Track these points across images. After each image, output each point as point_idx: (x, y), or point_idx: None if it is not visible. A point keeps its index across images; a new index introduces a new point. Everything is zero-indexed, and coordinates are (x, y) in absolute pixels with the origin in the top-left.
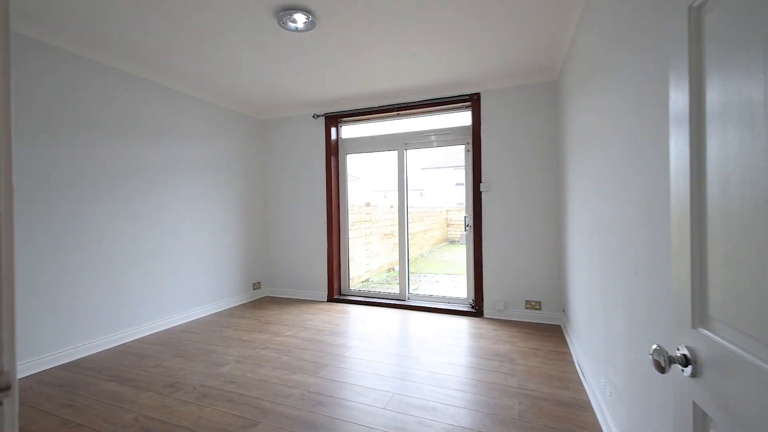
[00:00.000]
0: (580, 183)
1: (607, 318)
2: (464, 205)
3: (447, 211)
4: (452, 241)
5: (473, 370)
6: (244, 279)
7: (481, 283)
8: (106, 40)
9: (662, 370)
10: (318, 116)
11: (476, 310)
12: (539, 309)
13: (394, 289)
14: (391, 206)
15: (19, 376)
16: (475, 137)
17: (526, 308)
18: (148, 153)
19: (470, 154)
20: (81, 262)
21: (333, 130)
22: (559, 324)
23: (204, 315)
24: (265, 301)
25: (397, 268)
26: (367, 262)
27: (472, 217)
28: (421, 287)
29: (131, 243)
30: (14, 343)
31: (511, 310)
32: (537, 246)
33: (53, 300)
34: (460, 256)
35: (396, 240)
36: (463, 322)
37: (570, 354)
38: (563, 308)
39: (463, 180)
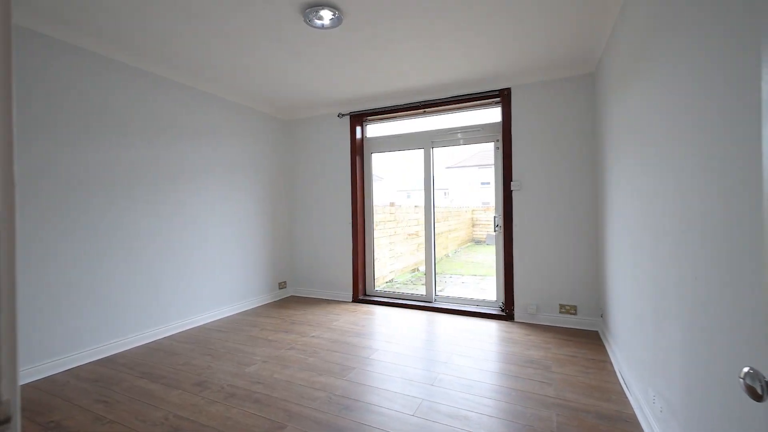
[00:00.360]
0: (624, 180)
1: (658, 327)
2: (490, 205)
3: (472, 210)
4: (478, 242)
5: (506, 377)
6: (270, 278)
7: (512, 285)
8: (135, 43)
9: (759, 398)
10: (343, 115)
11: (506, 313)
12: (574, 314)
13: (420, 290)
14: (416, 206)
15: (58, 370)
16: (505, 134)
17: (561, 312)
18: (177, 154)
19: (500, 151)
20: (114, 261)
21: (358, 129)
22: (596, 330)
23: (231, 314)
24: (290, 300)
25: (421, 268)
26: (391, 263)
27: (502, 216)
28: (447, 288)
29: (162, 242)
30: (16, 367)
31: (543, 314)
32: (572, 247)
33: (88, 297)
34: (486, 257)
35: (420, 240)
36: (493, 326)
37: (610, 363)
38: (601, 313)
39: (489, 179)
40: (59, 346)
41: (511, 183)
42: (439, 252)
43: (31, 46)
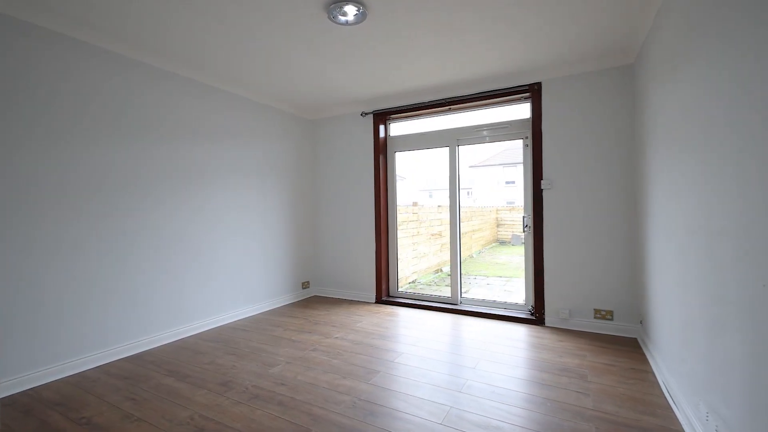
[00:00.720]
0: (669, 177)
1: (713, 338)
2: (516, 204)
3: (497, 210)
4: (503, 242)
5: (539, 386)
6: (293, 278)
7: (542, 288)
8: (160, 45)
9: None
10: (366, 114)
11: (536, 317)
12: (611, 319)
13: (443, 292)
14: (439, 206)
15: (89, 366)
16: (535, 130)
17: (595, 318)
18: (202, 155)
19: (529, 149)
20: (141, 259)
21: (381, 127)
22: (635, 337)
23: (255, 313)
24: (313, 300)
25: (445, 269)
26: (414, 263)
27: (531, 216)
28: (472, 290)
29: (187, 241)
30: None
31: (576, 319)
32: (608, 249)
33: (116, 295)
34: (512, 258)
35: (443, 240)
36: (522, 331)
37: (652, 373)
38: (640, 320)
39: (514, 178)
40: (89, 342)
41: (542, 181)
42: (463, 252)
43: (59, 50)
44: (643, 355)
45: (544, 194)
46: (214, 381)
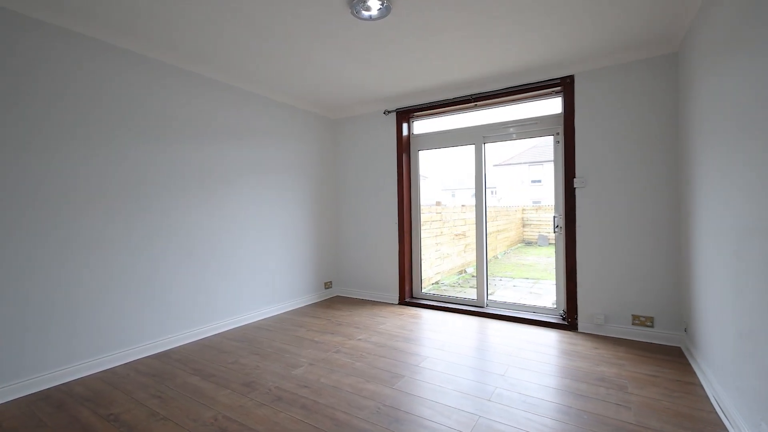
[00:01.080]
0: (722, 176)
1: None
2: (543, 204)
3: (522, 210)
4: (529, 243)
5: (574, 397)
6: (315, 278)
7: (575, 291)
8: (178, 43)
9: None
10: (389, 112)
11: (568, 322)
12: (651, 326)
13: (469, 294)
14: (463, 205)
15: (119, 362)
16: (567, 126)
17: (634, 324)
18: (227, 155)
19: (560, 145)
20: (169, 258)
21: (404, 125)
22: (678, 346)
23: (278, 312)
24: (336, 301)
25: (469, 270)
26: (437, 264)
27: (563, 216)
28: (497, 292)
29: (214, 241)
30: None
31: (613, 325)
32: (647, 251)
33: (146, 294)
34: (539, 259)
35: (467, 241)
36: (553, 336)
37: (701, 386)
38: (685, 327)
39: (540, 176)
40: (119, 339)
41: (574, 180)
42: (488, 253)
43: (102, 58)
44: (689, 365)
45: (577, 193)
46: (237, 381)
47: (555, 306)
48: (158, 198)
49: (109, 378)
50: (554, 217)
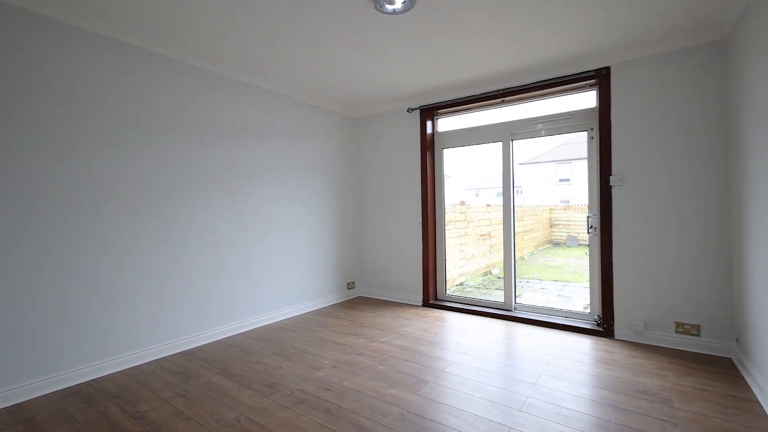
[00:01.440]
0: None
1: None
2: (570, 203)
3: (550, 209)
4: (557, 244)
5: (613, 410)
6: (338, 278)
7: (611, 295)
8: (195, 42)
9: None
10: (412, 110)
11: (604, 328)
12: (697, 334)
13: (494, 296)
14: (488, 205)
15: (146, 360)
16: (602, 121)
17: (677, 332)
18: (250, 155)
19: (595, 141)
20: (192, 258)
21: (428, 123)
22: (728, 357)
23: (301, 312)
24: (358, 301)
25: (494, 271)
26: (461, 265)
27: (598, 216)
28: (525, 294)
29: (236, 240)
30: None
31: (653, 332)
32: (693, 253)
33: (171, 292)
34: (568, 261)
35: (493, 241)
36: (587, 343)
37: (757, 402)
38: (736, 337)
39: (568, 175)
40: (146, 337)
41: (611, 177)
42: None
43: (113, 56)
44: (742, 379)
45: (614, 191)
46: (260, 382)
47: (589, 311)
48: (177, 196)
49: (137, 375)
50: (588, 216)
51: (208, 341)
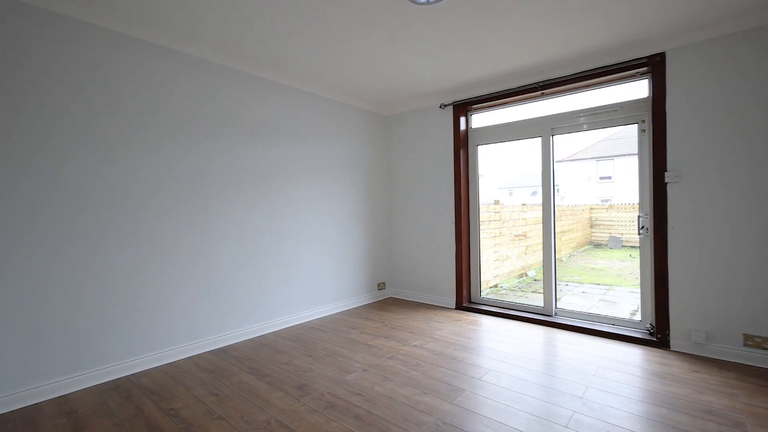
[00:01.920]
0: None
1: None
2: (613, 202)
3: (590, 209)
4: (598, 245)
5: (674, 431)
6: (369, 278)
7: (667, 303)
8: (231, 43)
9: None
10: (445, 106)
11: (658, 338)
12: None
13: (531, 299)
14: (524, 204)
15: (181, 356)
16: (656, 112)
17: (746, 345)
18: (281, 155)
19: (647, 134)
20: (226, 257)
21: (462, 119)
22: None
23: (331, 313)
24: (389, 302)
25: (530, 273)
26: (495, 266)
27: (651, 215)
28: (564, 298)
29: (268, 240)
30: None
31: (717, 344)
32: (764, 256)
33: (208, 291)
34: (611, 264)
35: (529, 242)
36: (639, 354)
37: None
38: None
39: (610, 172)
40: (182, 334)
41: (666, 174)
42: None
43: (160, 62)
44: None
45: (669, 189)
46: (291, 383)
47: (639, 318)
48: (216, 198)
49: (172, 372)
50: (639, 216)
51: (241, 339)
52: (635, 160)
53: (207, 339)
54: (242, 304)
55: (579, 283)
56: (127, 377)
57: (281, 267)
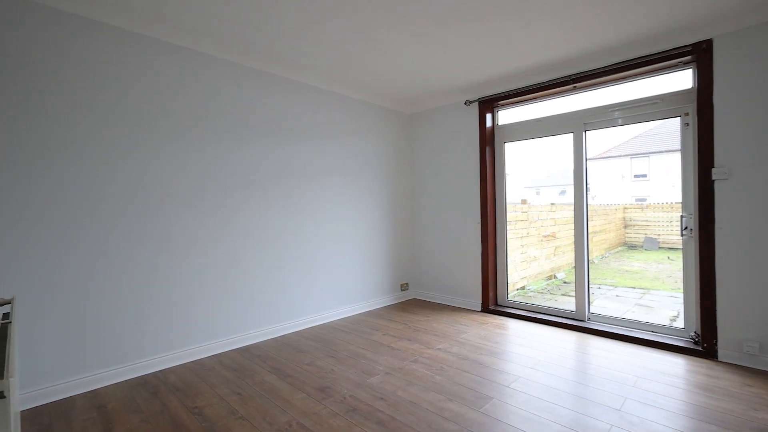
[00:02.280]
0: None
1: None
2: (647, 202)
3: (624, 208)
4: (632, 246)
5: None
6: (392, 279)
7: (714, 309)
8: (252, 43)
9: None
10: (470, 102)
11: (704, 348)
12: None
13: (560, 302)
14: (552, 203)
15: (207, 354)
16: (701, 104)
17: None
18: (303, 155)
19: (691, 128)
20: (249, 257)
21: (488, 116)
22: None
23: (353, 313)
24: (412, 304)
25: (559, 275)
26: (522, 267)
27: (695, 215)
28: (596, 301)
29: (290, 240)
30: None
31: None
32: None
33: (233, 290)
34: (647, 266)
35: (558, 243)
36: (682, 364)
37: None
38: None
39: (645, 170)
40: (207, 332)
41: (713, 170)
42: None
43: (192, 65)
44: None
45: (717, 186)
46: (313, 385)
47: (681, 325)
48: (237, 198)
49: (198, 369)
50: (681, 217)
51: (264, 338)
52: (674, 156)
53: (231, 337)
54: (265, 304)
55: (612, 286)
56: (154, 374)
57: (304, 267)
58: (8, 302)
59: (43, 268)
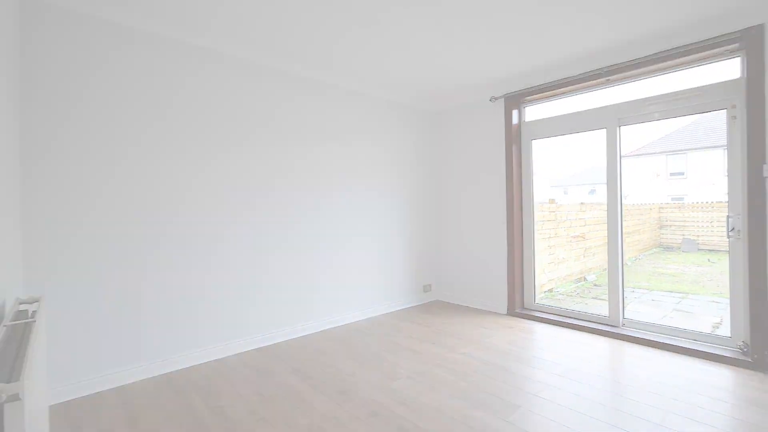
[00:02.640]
0: None
1: None
2: (684, 201)
3: (659, 208)
4: (668, 248)
5: None
6: (414, 280)
7: (765, 317)
8: (274, 42)
9: None
10: (496, 98)
11: (753, 358)
12: None
13: (591, 306)
14: (582, 203)
15: (230, 353)
16: (751, 95)
17: None
18: (324, 155)
19: (739, 121)
20: (275, 257)
21: (514, 112)
22: None
23: (375, 315)
24: (435, 306)
25: (589, 278)
26: (550, 269)
27: (744, 216)
28: (630, 306)
29: (313, 240)
30: None
31: None
32: None
33: (258, 290)
34: (685, 269)
35: (588, 244)
36: (728, 376)
37: None
38: None
39: (682, 168)
40: (230, 331)
41: (765, 167)
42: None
43: (215, 67)
44: None
45: None
46: (333, 387)
47: (729, 335)
48: (261, 198)
49: (220, 368)
50: (728, 217)
51: (286, 338)
52: (714, 153)
53: (254, 337)
54: (287, 303)
55: (648, 289)
56: (179, 371)
57: (326, 268)
58: (36, 300)
59: (76, 266)
